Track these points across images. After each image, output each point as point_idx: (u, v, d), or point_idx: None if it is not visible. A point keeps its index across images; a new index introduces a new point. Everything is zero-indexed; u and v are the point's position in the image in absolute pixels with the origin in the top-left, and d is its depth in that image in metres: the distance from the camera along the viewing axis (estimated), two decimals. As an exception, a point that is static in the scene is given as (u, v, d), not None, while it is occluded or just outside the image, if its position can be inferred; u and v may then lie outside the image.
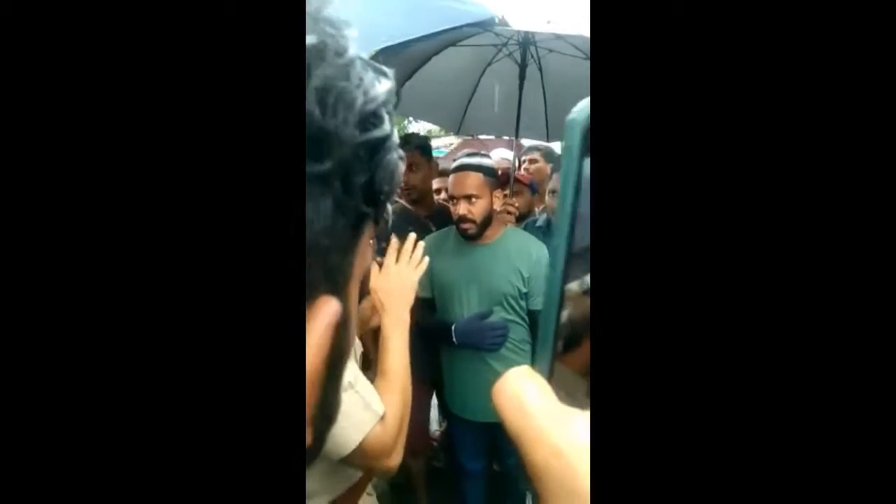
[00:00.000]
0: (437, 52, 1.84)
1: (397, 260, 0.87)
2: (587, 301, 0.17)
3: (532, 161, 2.28)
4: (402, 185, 1.61)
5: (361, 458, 0.66)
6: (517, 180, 1.85)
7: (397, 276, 0.84)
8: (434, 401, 1.83)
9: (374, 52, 1.64)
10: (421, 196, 1.67)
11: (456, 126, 2.46)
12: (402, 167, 0.26)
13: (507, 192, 1.77)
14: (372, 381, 0.74)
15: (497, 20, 0.98)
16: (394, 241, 0.86)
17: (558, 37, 1.81)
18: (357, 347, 0.87)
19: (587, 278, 0.17)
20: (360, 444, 0.64)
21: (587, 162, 0.16)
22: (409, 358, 0.78)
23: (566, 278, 0.17)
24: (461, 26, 1.06)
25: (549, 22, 1.77)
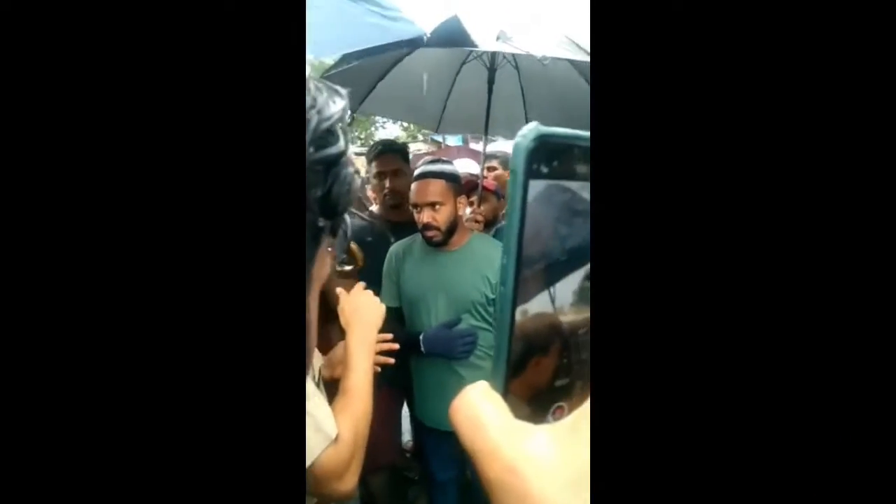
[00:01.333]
0: (401, 58, 1.81)
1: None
2: (538, 321, 0.18)
3: (490, 168, 2.28)
4: (386, 191, 1.60)
5: (312, 483, 0.64)
6: (483, 188, 1.83)
7: (364, 295, 0.84)
8: (406, 412, 1.80)
9: (337, 60, 1.60)
10: (400, 202, 1.66)
11: (435, 124, 2.42)
12: (358, 181, 0.27)
13: (474, 199, 1.75)
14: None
15: (425, 38, 0.95)
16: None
17: (511, 54, 1.78)
18: (316, 361, 0.84)
19: (538, 298, 0.18)
20: (310, 467, 0.62)
21: (533, 184, 0.16)
22: (372, 377, 0.76)
23: (516, 298, 0.17)
24: (390, 44, 1.03)
25: (498, 38, 1.72)
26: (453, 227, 1.30)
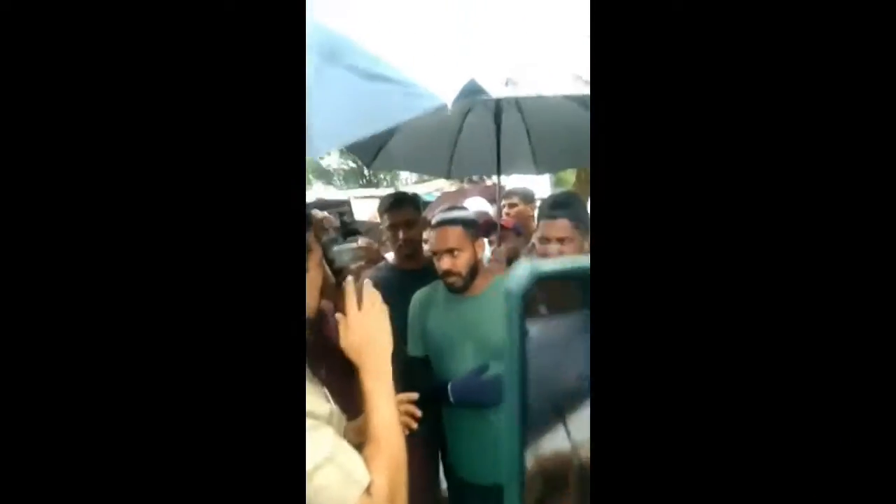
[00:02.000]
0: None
1: (359, 308, 0.78)
2: (555, 459, 0.17)
3: (511, 205, 2.31)
4: (400, 242, 1.64)
5: None
6: (501, 227, 1.85)
7: (363, 326, 0.75)
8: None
9: (343, 151, 1.67)
10: (415, 251, 1.69)
11: (445, 171, 2.49)
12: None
13: (493, 239, 1.77)
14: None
15: (449, 107, 1.00)
16: (349, 289, 0.78)
17: (520, 99, 1.85)
18: (338, 415, 0.79)
19: (553, 434, 0.17)
20: None
21: (531, 327, 0.16)
22: (397, 414, 0.71)
23: (524, 443, 0.17)
24: (416, 117, 1.09)
25: (507, 84, 1.81)
26: (474, 271, 1.32)
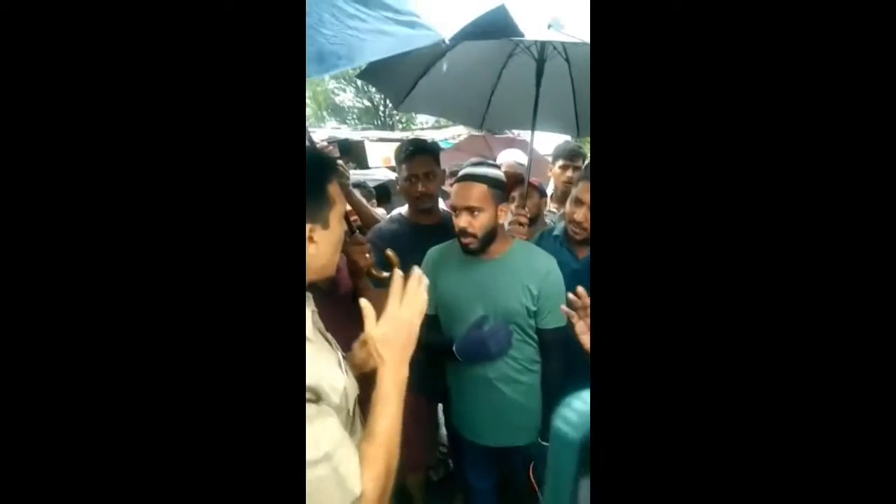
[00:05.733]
0: (443, 53, 1.73)
1: (400, 303, 0.76)
2: None
3: (564, 167, 2.01)
4: (418, 194, 1.52)
5: None
6: (529, 184, 1.71)
7: (398, 321, 0.74)
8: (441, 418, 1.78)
9: (359, 87, 1.55)
10: (433, 205, 1.59)
11: (478, 122, 2.34)
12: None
13: (517, 201, 1.65)
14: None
15: (444, 42, 0.87)
16: (397, 277, 0.76)
17: (562, 43, 1.64)
18: (351, 391, 0.77)
19: None
20: None
21: (585, 483, 0.15)
22: (401, 421, 0.70)
23: None
24: (410, 51, 0.97)
25: (549, 27, 1.58)
26: (491, 235, 1.24)
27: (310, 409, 0.61)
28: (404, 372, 0.73)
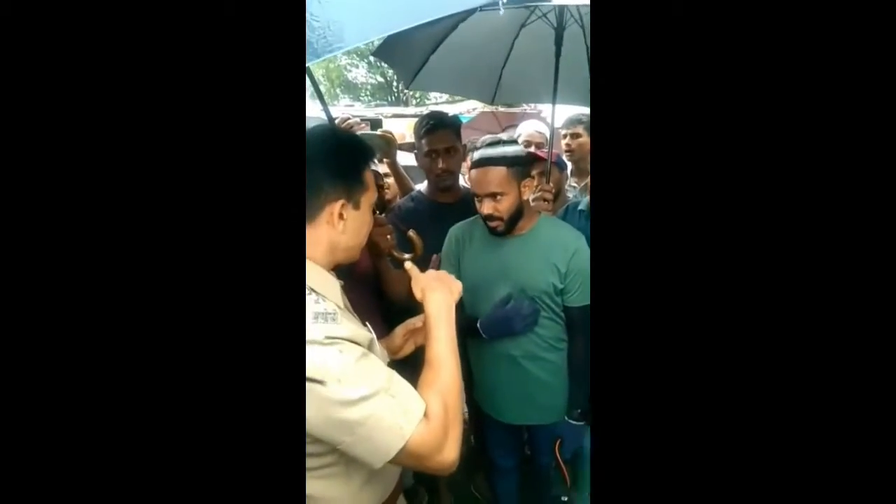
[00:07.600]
0: (451, 29, 1.65)
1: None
2: None
3: (574, 135, 2.05)
4: (439, 171, 1.46)
5: (409, 461, 0.63)
6: (542, 159, 1.65)
7: (440, 278, 0.79)
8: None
9: (379, 42, 1.46)
10: (454, 182, 1.54)
11: (490, 96, 2.27)
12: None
13: (540, 175, 1.60)
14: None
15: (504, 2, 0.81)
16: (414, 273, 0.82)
17: (577, 9, 1.56)
18: (383, 345, 0.82)
19: None
20: (404, 447, 0.61)
21: None
22: (457, 344, 0.73)
23: None
24: (469, 10, 0.91)
25: None
26: (518, 214, 1.20)
27: (355, 350, 0.63)
28: (451, 304, 0.75)
